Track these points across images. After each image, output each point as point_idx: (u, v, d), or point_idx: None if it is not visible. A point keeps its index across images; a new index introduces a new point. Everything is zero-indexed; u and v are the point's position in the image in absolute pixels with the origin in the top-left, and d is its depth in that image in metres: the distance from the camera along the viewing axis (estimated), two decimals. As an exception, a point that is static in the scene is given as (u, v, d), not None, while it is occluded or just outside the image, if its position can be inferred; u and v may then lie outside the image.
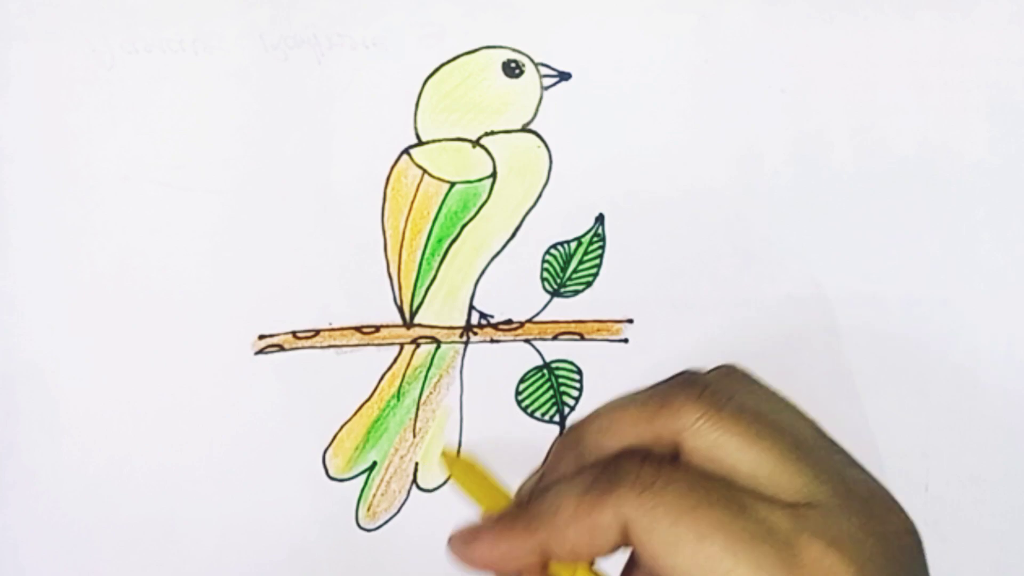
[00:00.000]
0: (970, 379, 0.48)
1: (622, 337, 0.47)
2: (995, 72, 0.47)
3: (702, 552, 0.32)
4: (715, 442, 0.35)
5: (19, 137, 0.44)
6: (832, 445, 0.36)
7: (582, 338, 0.47)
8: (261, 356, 0.46)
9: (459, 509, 0.47)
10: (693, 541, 0.33)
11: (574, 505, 0.35)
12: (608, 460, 0.36)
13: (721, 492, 0.34)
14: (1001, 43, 0.46)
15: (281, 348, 0.46)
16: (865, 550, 0.33)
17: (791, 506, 0.33)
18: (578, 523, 0.34)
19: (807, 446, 0.35)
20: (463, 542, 0.37)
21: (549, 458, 0.40)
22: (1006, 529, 0.48)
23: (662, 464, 0.34)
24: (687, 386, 0.36)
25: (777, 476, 0.34)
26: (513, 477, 0.44)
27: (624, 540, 0.34)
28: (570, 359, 0.47)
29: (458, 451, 0.43)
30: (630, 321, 0.47)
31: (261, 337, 0.46)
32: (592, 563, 0.36)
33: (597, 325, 0.47)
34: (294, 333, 0.46)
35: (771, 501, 0.34)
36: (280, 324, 0.46)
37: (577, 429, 0.39)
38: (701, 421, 0.35)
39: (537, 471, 0.41)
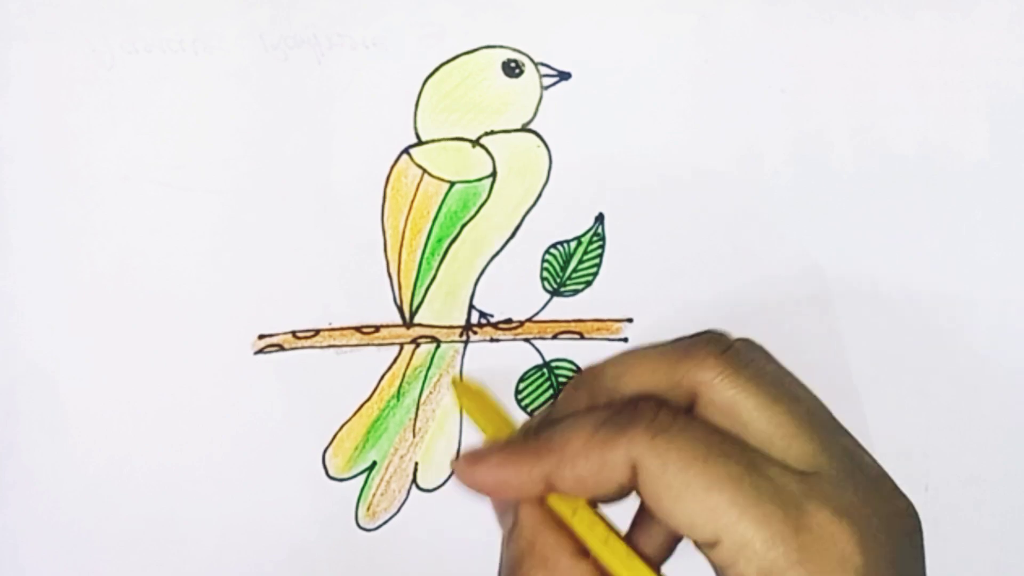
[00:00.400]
0: (970, 379, 0.48)
1: (622, 336, 0.47)
2: (995, 72, 0.47)
3: (708, 501, 0.32)
4: (732, 399, 0.35)
5: (19, 137, 0.44)
6: (841, 427, 0.37)
7: (582, 337, 0.47)
8: (261, 356, 0.46)
9: (459, 509, 0.47)
10: (701, 489, 0.33)
11: (586, 438, 0.34)
12: (624, 401, 0.36)
13: (735, 447, 0.34)
14: (1001, 43, 0.46)
15: (281, 348, 0.46)
16: (870, 524, 0.33)
17: (800, 472, 0.34)
18: (588, 456, 0.34)
19: (820, 420, 0.35)
20: (469, 463, 0.37)
21: (562, 394, 0.40)
22: (1006, 529, 0.48)
23: (679, 412, 0.35)
24: (711, 342, 0.36)
25: (790, 441, 0.34)
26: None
27: (631, 482, 0.34)
28: (570, 358, 0.47)
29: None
30: (630, 320, 0.47)
31: (261, 337, 0.46)
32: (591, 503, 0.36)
33: (597, 324, 0.47)
34: (294, 333, 0.46)
35: (782, 465, 0.34)
36: (280, 324, 0.46)
37: (593, 370, 0.38)
38: (721, 377, 0.35)
39: (546, 409, 0.41)
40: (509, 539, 0.37)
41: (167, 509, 0.46)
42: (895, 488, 0.36)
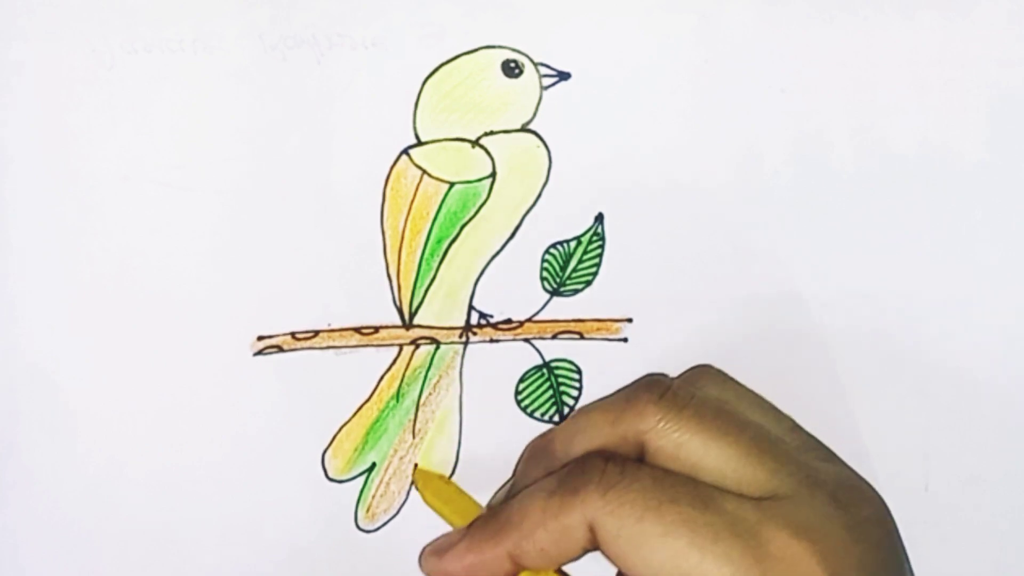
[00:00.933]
0: (970, 379, 0.48)
1: (622, 336, 0.47)
2: (995, 72, 0.47)
3: (668, 548, 0.32)
4: (678, 441, 0.35)
5: (19, 137, 0.44)
6: (804, 441, 0.36)
7: (582, 337, 0.47)
8: (260, 357, 0.46)
9: (459, 510, 0.47)
10: (658, 537, 0.33)
11: (541, 508, 0.35)
12: (573, 462, 0.36)
13: (686, 488, 0.34)
14: (1001, 43, 0.46)
15: (280, 349, 0.46)
16: (831, 538, 0.33)
17: (756, 499, 0.34)
18: (546, 526, 0.34)
19: (770, 440, 0.35)
20: (434, 555, 0.37)
21: (519, 468, 0.40)
22: (1006, 529, 0.48)
23: (627, 463, 0.35)
24: (649, 388, 0.37)
25: (741, 470, 0.34)
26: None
27: (592, 541, 0.34)
28: (570, 358, 0.47)
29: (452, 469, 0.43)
30: (629, 320, 0.47)
31: (260, 338, 0.46)
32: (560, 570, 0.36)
33: (597, 324, 0.47)
34: (293, 334, 0.46)
35: (737, 495, 0.34)
36: (279, 325, 0.46)
37: (544, 438, 0.39)
38: (663, 422, 0.35)
39: (507, 483, 0.41)
40: None
41: (167, 510, 0.46)
42: (862, 494, 0.36)
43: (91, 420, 0.46)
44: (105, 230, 0.45)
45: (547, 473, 0.37)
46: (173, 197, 0.45)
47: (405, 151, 0.45)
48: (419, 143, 0.45)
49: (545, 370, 0.47)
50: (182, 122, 0.45)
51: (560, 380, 0.47)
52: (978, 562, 0.48)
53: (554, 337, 0.47)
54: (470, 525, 0.37)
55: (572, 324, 0.47)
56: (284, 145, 0.45)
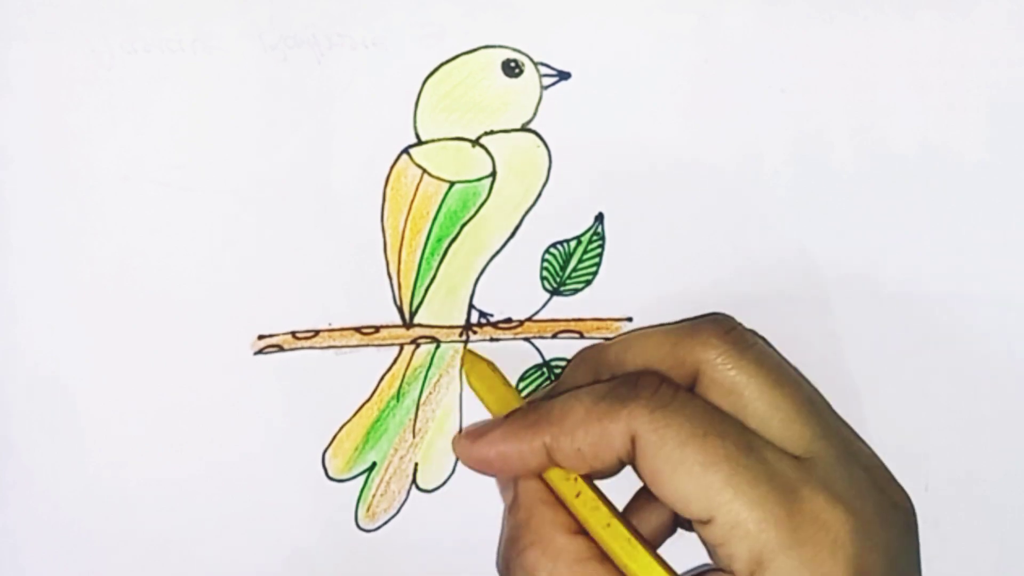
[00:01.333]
0: (970, 379, 0.48)
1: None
2: (995, 72, 0.47)
3: (704, 479, 0.33)
4: (733, 380, 0.35)
5: (19, 137, 0.44)
6: (839, 417, 0.37)
7: (582, 336, 0.47)
8: (260, 356, 0.46)
9: (459, 510, 0.47)
10: (697, 466, 0.33)
11: (587, 409, 0.35)
12: (627, 375, 0.36)
13: (733, 427, 0.34)
14: (1001, 43, 0.46)
15: (280, 348, 0.46)
16: (863, 512, 0.33)
17: (797, 457, 0.34)
18: (588, 427, 0.34)
19: (818, 407, 0.36)
20: (469, 439, 0.37)
21: (566, 369, 0.40)
22: (1006, 529, 0.48)
23: (680, 389, 0.35)
24: (716, 322, 0.37)
25: (788, 425, 0.34)
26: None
27: (629, 456, 0.34)
28: (569, 357, 0.47)
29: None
30: (629, 319, 0.47)
31: (260, 337, 0.46)
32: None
33: (596, 323, 0.47)
34: (293, 333, 0.46)
35: (777, 448, 0.34)
36: (279, 324, 0.46)
37: (598, 346, 0.39)
38: (724, 357, 0.35)
39: (550, 385, 0.41)
40: (508, 514, 0.37)
41: (167, 509, 0.46)
42: (891, 479, 0.36)
43: (91, 420, 0.46)
44: (105, 230, 0.45)
45: (594, 379, 0.37)
46: (173, 197, 0.45)
47: (405, 150, 0.45)
48: (419, 142, 0.45)
49: (545, 369, 0.47)
50: (182, 122, 0.45)
51: (560, 379, 0.47)
52: (978, 562, 0.48)
53: (554, 336, 0.47)
54: (508, 415, 0.37)
55: (572, 323, 0.47)
56: (284, 145, 0.45)
